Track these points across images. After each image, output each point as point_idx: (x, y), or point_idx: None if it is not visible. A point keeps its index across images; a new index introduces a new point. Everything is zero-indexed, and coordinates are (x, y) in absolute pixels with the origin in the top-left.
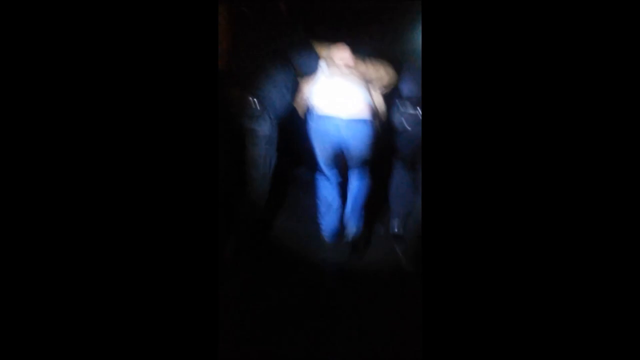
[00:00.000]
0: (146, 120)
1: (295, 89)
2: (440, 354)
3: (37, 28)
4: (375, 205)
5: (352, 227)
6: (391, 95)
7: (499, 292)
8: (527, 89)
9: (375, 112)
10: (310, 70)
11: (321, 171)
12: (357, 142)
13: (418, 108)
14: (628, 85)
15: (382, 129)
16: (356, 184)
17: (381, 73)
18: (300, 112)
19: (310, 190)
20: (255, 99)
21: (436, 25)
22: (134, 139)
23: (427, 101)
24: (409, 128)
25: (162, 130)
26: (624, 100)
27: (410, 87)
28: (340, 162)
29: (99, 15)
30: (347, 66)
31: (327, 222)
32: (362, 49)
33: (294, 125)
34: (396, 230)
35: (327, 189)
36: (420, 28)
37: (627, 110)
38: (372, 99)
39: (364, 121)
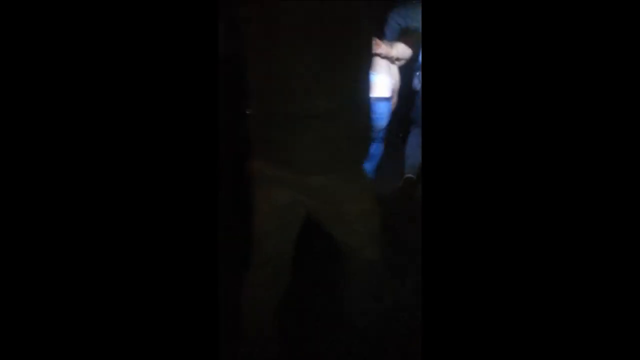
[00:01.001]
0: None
1: None
2: (439, 350)
3: (35, 24)
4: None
5: None
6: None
7: (499, 271)
8: (528, 81)
9: (395, 89)
10: None
11: None
12: (379, 119)
13: None
14: (628, 82)
15: (401, 101)
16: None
17: (401, 49)
18: None
19: None
20: None
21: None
22: (129, 119)
23: (427, 99)
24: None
25: (163, 92)
26: (624, 96)
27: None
28: None
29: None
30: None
31: None
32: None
33: None
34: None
35: None
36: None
37: (628, 106)
38: (395, 76)
39: (385, 99)
